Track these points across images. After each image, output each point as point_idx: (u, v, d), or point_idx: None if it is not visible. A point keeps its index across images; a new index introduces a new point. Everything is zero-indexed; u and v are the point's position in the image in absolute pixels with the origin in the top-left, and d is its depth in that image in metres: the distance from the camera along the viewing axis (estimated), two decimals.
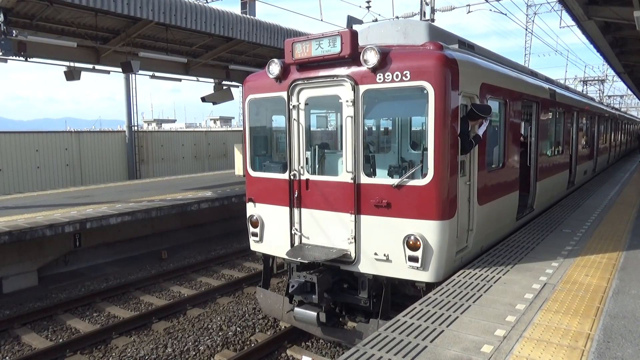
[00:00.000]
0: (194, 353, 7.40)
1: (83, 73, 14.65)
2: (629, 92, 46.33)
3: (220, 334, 8.03)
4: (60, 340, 7.96)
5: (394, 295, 6.41)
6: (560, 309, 4.77)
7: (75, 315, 9.08)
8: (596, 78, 50.99)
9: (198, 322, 8.57)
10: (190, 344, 7.68)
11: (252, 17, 15.08)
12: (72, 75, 14.43)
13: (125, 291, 10.27)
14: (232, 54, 16.28)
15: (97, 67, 14.64)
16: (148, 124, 59.20)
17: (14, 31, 10.00)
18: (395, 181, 5.96)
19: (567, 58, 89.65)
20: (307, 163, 6.82)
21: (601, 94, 51.81)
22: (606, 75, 49.69)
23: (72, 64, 14.25)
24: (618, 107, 51.46)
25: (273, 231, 7.19)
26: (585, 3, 10.21)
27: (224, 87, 18.64)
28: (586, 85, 50.88)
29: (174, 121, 72.73)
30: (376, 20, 20.46)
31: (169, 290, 10.40)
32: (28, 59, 12.88)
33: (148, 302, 9.72)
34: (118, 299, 9.92)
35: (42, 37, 11.98)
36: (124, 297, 10.01)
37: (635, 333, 4.18)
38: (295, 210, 6.82)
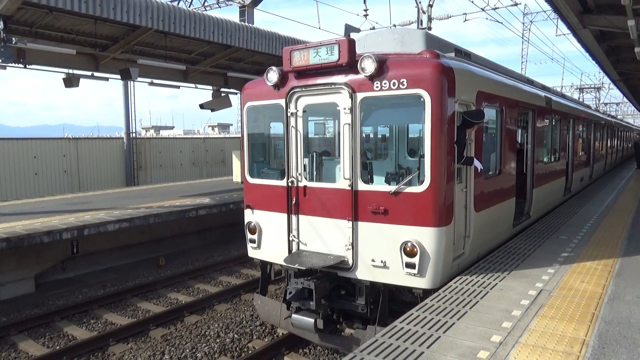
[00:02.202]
0: None
1: (82, 80, 14.70)
2: (625, 99, 46.63)
3: (217, 340, 8.02)
4: (57, 347, 7.94)
5: (391, 302, 6.43)
6: (556, 315, 4.80)
7: (73, 322, 9.05)
8: (592, 86, 51.36)
9: (195, 329, 8.56)
10: (187, 351, 7.67)
11: (250, 24, 15.22)
12: (71, 82, 14.46)
13: (123, 298, 10.24)
14: (231, 61, 16.37)
15: (96, 74, 14.69)
16: (146, 131, 59.12)
17: (13, 38, 10.04)
18: (392, 188, 6.00)
19: (564, 66, 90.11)
20: (304, 170, 6.85)
21: (597, 102, 52.16)
22: (602, 83, 50.07)
23: (71, 70, 14.30)
24: (614, 115, 51.75)
25: (271, 238, 7.21)
26: (580, 12, 10.36)
27: (222, 94, 18.71)
28: (582, 92, 51.23)
29: (172, 128, 72.70)
30: (374, 28, 20.58)
31: (167, 297, 10.39)
32: (27, 66, 12.92)
33: (145, 308, 9.70)
34: (115, 306, 9.89)
35: (41, 45, 12.06)
36: (121, 304, 9.98)
37: (630, 339, 4.21)
38: (293, 217, 6.85)
